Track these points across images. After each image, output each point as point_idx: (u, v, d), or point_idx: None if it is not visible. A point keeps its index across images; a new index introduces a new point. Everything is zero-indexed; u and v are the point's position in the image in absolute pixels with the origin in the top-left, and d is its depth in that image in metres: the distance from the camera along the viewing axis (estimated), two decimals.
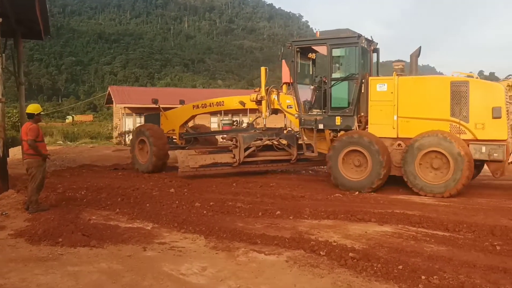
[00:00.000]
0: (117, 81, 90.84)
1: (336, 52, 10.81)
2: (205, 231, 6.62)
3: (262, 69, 12.75)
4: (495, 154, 9.01)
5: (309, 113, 11.14)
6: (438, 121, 9.56)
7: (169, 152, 13.35)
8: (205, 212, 7.88)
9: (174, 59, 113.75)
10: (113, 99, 37.11)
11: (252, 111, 15.54)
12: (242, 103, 12.74)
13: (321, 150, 11.04)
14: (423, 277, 4.63)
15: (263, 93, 12.09)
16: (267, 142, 12.25)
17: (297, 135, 12.53)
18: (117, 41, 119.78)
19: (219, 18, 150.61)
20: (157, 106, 13.93)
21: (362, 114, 10.42)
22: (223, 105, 13.35)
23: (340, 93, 10.74)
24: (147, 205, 8.43)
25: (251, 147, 11.93)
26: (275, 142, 12.38)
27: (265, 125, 12.59)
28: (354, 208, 7.85)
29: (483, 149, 9.11)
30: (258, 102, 12.28)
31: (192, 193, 9.69)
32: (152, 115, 14.58)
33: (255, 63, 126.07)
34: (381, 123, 10.07)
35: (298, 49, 11.16)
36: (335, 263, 5.15)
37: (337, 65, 10.97)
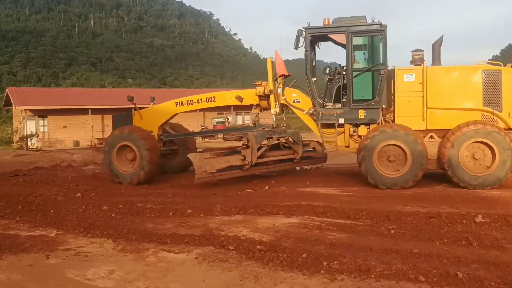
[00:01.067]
0: (16, 81, 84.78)
1: (359, 40, 10.22)
2: (113, 234, 6.47)
3: (268, 60, 11.26)
4: None
5: (328, 107, 10.36)
6: (470, 111, 9.48)
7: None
8: (113, 215, 7.69)
9: (80, 58, 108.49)
10: (12, 101, 34.74)
11: (237, 107, 14.54)
12: (240, 99, 11.47)
13: (338, 147, 10.40)
14: (324, 263, 4.92)
15: (271, 86, 10.81)
16: (277, 140, 11.16)
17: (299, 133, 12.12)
18: (16, 38, 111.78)
19: (127, 15, 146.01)
20: (133, 104, 11.82)
21: (384, 106, 10.06)
22: (214, 101, 11.90)
23: (363, 84, 10.07)
24: (51, 211, 8.05)
25: (263, 146, 10.78)
26: (284, 140, 11.38)
27: (273, 121, 11.78)
28: (263, 202, 8.08)
29: None
30: (263, 97, 11.13)
31: (100, 196, 9.39)
32: (122, 115, 12.64)
33: (167, 61, 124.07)
34: (409, 115, 9.72)
35: (311, 38, 10.25)
36: (243, 256, 5.30)
37: (359, 54, 10.38)
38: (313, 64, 10.87)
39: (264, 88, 10.91)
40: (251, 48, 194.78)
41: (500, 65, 9.62)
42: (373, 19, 9.90)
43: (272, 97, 10.79)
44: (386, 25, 9.68)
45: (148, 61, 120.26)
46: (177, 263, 5.24)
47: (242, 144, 10.53)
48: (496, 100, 9.36)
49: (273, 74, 10.81)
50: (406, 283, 4.37)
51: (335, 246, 5.57)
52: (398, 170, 9.36)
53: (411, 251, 5.25)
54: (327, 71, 11.12)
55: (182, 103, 11.94)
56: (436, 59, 9.99)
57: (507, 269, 4.61)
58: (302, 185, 10.15)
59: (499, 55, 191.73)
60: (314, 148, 12.55)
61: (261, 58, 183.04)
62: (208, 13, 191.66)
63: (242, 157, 10.36)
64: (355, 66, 10.01)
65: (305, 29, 10.12)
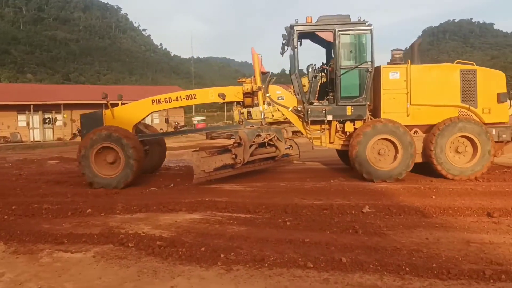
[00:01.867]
0: None
1: (346, 38, 10.34)
2: (4, 236, 6.18)
3: (255, 56, 10.89)
4: (503, 135, 10.01)
5: (316, 104, 10.50)
6: (449, 107, 10.16)
7: None
8: (6, 217, 7.32)
9: None
10: None
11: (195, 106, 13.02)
12: (222, 96, 10.99)
13: (322, 142, 10.71)
14: (222, 255, 5.11)
15: (259, 83, 10.67)
16: (265, 138, 10.75)
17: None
18: None
19: (26, 6, 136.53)
20: (106, 101, 10.84)
21: (368, 103, 10.36)
22: (195, 98, 11.43)
23: (350, 81, 10.33)
24: None
25: (253, 145, 10.44)
26: (270, 138, 10.98)
27: (264, 118, 11.23)
28: (166, 200, 8.12)
29: (493, 131, 9.96)
30: (249, 94, 10.88)
31: None
32: (92, 114, 11.46)
33: (70, 56, 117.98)
34: (395, 111, 10.16)
35: (298, 35, 10.22)
36: (143, 253, 5.34)
37: (346, 52, 10.50)
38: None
39: (252, 85, 10.76)
40: (161, 44, 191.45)
41: (473, 64, 10.44)
42: (359, 18, 10.21)
43: (260, 94, 10.69)
44: (371, 24, 10.06)
45: (49, 55, 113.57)
46: (74, 262, 5.15)
47: (234, 142, 10.24)
48: (472, 97, 10.15)
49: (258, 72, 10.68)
50: (296, 269, 4.69)
51: (234, 239, 5.80)
52: (393, 162, 9.83)
53: (303, 240, 5.61)
54: (310, 69, 11.17)
55: (159, 101, 11.21)
56: (415, 59, 10.53)
57: (385, 252, 5.11)
58: (207, 182, 10.29)
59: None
60: (290, 145, 12.47)
61: (172, 55, 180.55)
62: (115, 7, 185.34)
63: (234, 156, 10.03)
64: (343, 63, 10.22)
65: (292, 26, 10.20)
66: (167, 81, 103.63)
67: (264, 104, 10.72)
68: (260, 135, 10.58)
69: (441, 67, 10.59)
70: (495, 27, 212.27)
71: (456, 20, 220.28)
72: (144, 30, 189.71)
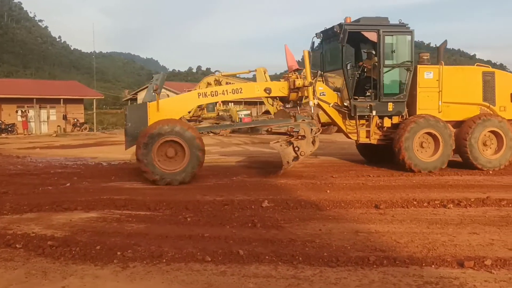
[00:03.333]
0: None
1: (389, 39, 10.89)
2: None
3: (305, 52, 10.96)
4: None
5: (361, 101, 10.99)
6: (472, 105, 11.26)
7: None
8: None
9: None
10: None
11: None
12: (268, 90, 11.01)
13: (359, 137, 11.22)
14: (118, 253, 4.98)
15: (309, 78, 10.73)
16: (316, 132, 10.55)
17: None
18: None
19: None
20: (156, 94, 10.17)
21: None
22: (241, 92, 11.21)
23: (392, 79, 11.01)
24: None
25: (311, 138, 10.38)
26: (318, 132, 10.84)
27: (311, 113, 10.94)
28: (61, 199, 7.73)
29: None
30: (295, 89, 10.84)
31: None
32: (137, 106, 10.26)
33: None
34: (428, 108, 10.95)
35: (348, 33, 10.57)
36: (32, 254, 5.04)
37: (389, 52, 10.97)
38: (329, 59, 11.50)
39: (304, 80, 10.72)
40: (60, 37, 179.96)
41: (489, 67, 11.75)
42: (400, 20, 10.96)
43: (310, 89, 10.77)
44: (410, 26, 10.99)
45: None
46: None
47: (299, 135, 10.21)
48: (492, 96, 11.35)
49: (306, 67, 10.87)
50: (194, 264, 4.71)
51: (132, 236, 5.68)
52: (434, 154, 10.64)
53: (203, 235, 5.65)
54: (349, 66, 11.51)
55: (205, 94, 10.88)
56: (440, 60, 11.30)
57: (281, 244, 5.31)
58: (107, 180, 9.98)
59: (300, 60, 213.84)
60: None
61: (72, 48, 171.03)
62: None
63: (296, 148, 9.99)
64: (386, 62, 10.86)
65: (344, 25, 10.66)
66: (66, 76, 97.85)
67: (314, 99, 10.88)
68: (312, 129, 10.53)
69: (467, 69, 11.93)
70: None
71: None
72: (40, 21, 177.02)
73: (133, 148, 9.77)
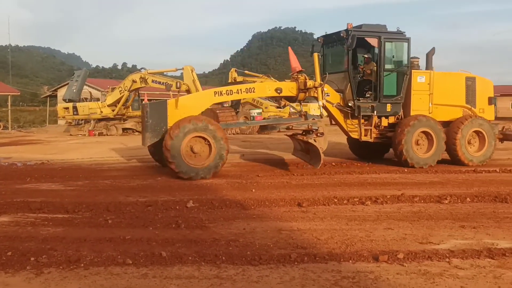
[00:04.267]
0: None
1: (388, 45, 11.84)
2: None
3: (315, 55, 11.71)
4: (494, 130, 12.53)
5: (364, 101, 11.82)
6: (456, 107, 12.44)
7: None
8: None
9: None
10: None
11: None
12: (279, 90, 11.54)
13: (361, 135, 11.98)
14: (32, 258, 4.72)
15: (319, 80, 11.33)
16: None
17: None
18: None
19: None
20: (178, 89, 10.03)
21: None
22: (254, 92, 11.92)
23: (390, 82, 11.88)
24: None
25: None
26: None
27: (321, 113, 11.54)
28: None
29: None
30: (304, 90, 11.45)
31: None
32: (157, 103, 11.03)
33: None
34: (421, 109, 12.01)
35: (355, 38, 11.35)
36: None
37: (388, 57, 11.91)
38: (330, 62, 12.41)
39: (313, 81, 11.30)
40: None
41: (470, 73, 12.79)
42: (398, 28, 12.01)
43: (319, 90, 11.33)
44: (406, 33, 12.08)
45: None
46: None
47: (318, 133, 10.96)
48: (473, 99, 12.54)
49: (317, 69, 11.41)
50: (114, 267, 4.56)
51: (48, 240, 5.41)
52: (427, 151, 11.64)
53: (124, 238, 5.50)
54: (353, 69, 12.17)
55: (221, 93, 11.39)
56: (429, 66, 12.39)
57: (204, 244, 5.29)
58: (21, 182, 9.42)
59: (229, 60, 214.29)
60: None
61: None
62: None
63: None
64: (386, 67, 11.78)
65: (353, 30, 11.46)
66: None
67: (323, 99, 11.47)
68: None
69: (453, 75, 12.80)
70: (315, 36, 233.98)
71: (282, 28, 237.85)
72: None
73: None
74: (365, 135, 12.13)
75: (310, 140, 10.78)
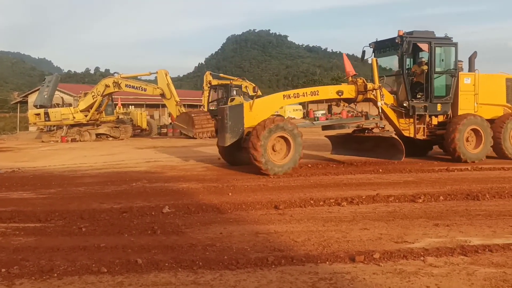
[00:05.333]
0: None
1: (438, 50, 12.83)
2: None
3: (373, 60, 12.77)
4: None
5: (417, 102, 12.81)
6: (498, 106, 13.50)
7: None
8: None
9: None
10: None
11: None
12: (341, 93, 12.48)
13: (416, 133, 12.97)
14: (3, 270, 4.59)
15: (377, 83, 12.34)
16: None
17: None
18: None
19: None
20: (255, 94, 11.06)
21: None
22: (317, 94, 12.59)
23: (440, 84, 12.94)
24: None
25: None
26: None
27: (383, 112, 12.88)
28: None
29: None
30: (362, 92, 12.38)
31: None
32: (236, 106, 11.98)
33: None
34: (467, 109, 12.97)
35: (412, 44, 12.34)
36: None
37: (438, 60, 12.86)
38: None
39: (373, 84, 12.27)
40: None
41: (509, 75, 13.98)
42: (446, 34, 12.98)
43: (378, 92, 12.24)
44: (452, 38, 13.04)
45: None
46: None
47: (384, 130, 12.58)
48: None
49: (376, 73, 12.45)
50: (88, 276, 4.47)
51: (19, 251, 5.27)
52: (477, 147, 12.57)
53: (98, 245, 5.40)
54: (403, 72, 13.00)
55: (289, 96, 12.30)
56: (471, 69, 13.34)
57: (181, 250, 5.23)
58: None
59: (203, 63, 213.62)
60: None
61: None
62: None
63: None
64: (436, 69, 12.76)
65: (409, 37, 12.39)
66: None
67: (382, 100, 12.40)
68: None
69: (495, 76, 13.81)
70: (289, 39, 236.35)
71: (256, 30, 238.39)
72: None
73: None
74: (417, 133, 13.07)
75: (393, 135, 12.37)
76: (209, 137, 25.28)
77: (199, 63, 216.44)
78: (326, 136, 14.46)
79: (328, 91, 12.68)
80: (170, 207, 7.27)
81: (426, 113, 12.86)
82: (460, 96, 13.09)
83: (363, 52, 13.56)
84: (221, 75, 33.10)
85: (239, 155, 12.26)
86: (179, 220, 6.66)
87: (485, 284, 4.06)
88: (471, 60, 13.59)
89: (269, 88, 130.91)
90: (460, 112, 13.00)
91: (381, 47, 13.46)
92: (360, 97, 12.55)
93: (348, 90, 12.55)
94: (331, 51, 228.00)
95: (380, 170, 11.28)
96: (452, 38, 13.05)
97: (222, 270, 4.56)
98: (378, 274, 4.35)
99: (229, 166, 12.75)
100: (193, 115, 25.54)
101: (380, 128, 12.54)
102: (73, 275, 4.51)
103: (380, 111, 12.65)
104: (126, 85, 25.66)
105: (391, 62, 13.86)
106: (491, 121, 13.05)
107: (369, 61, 13.25)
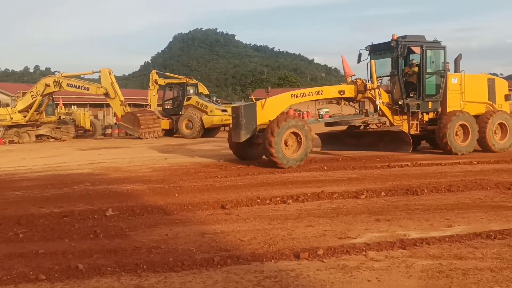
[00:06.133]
0: None
1: (429, 52, 14.02)
2: None
3: (372, 62, 13.94)
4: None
5: (411, 100, 14.03)
6: (481, 103, 14.80)
7: None
8: None
9: None
10: None
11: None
12: (342, 92, 13.61)
13: (409, 129, 14.14)
14: None
15: (376, 83, 13.65)
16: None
17: None
18: None
19: None
20: (267, 93, 12.83)
21: None
22: (322, 94, 13.80)
23: (431, 84, 14.18)
24: None
25: None
26: None
27: (380, 110, 13.93)
28: None
29: None
30: (362, 92, 13.54)
31: None
32: (249, 105, 12.90)
33: None
34: (455, 106, 14.26)
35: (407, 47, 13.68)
36: None
37: (429, 62, 14.02)
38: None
39: (371, 84, 13.55)
40: None
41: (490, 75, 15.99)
42: (435, 38, 14.24)
43: (377, 91, 13.58)
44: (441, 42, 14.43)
45: None
46: None
47: (385, 126, 14.25)
48: (493, 97, 15.03)
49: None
50: (25, 284, 4.28)
51: None
52: (465, 140, 13.82)
53: (37, 252, 5.17)
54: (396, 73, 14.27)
55: (296, 95, 13.29)
56: (457, 69, 14.69)
57: (125, 253, 5.11)
58: None
59: (150, 61, 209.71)
60: None
61: None
62: None
63: None
64: (428, 70, 14.01)
65: (403, 40, 13.65)
66: None
67: (380, 99, 13.73)
68: None
69: (478, 77, 15.33)
70: (236, 38, 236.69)
71: (203, 29, 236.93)
72: None
73: None
74: (411, 128, 14.22)
75: (402, 129, 13.82)
76: (156, 137, 24.92)
77: (145, 62, 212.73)
78: (316, 134, 15.18)
79: (331, 91, 13.94)
80: (114, 209, 7.09)
81: (419, 110, 14.10)
82: (449, 95, 14.35)
83: (359, 54, 14.61)
84: (168, 74, 32.62)
85: (249, 150, 13.26)
86: (123, 223, 6.50)
87: (422, 275, 4.23)
88: (457, 61, 14.96)
89: (217, 87, 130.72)
90: (448, 109, 14.23)
91: (377, 50, 14.63)
92: (360, 96, 13.80)
93: (349, 90, 13.70)
94: (278, 50, 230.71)
95: (325, 168, 11.53)
96: (441, 42, 14.41)
97: (167, 273, 4.49)
98: (322, 270, 4.43)
99: (176, 166, 12.61)
100: (138, 115, 25.10)
101: (382, 124, 14.24)
102: (8, 284, 4.29)
103: (379, 109, 13.87)
104: (67, 84, 24.83)
105: (383, 64, 14.99)
106: (475, 117, 14.27)
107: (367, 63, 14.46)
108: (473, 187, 8.43)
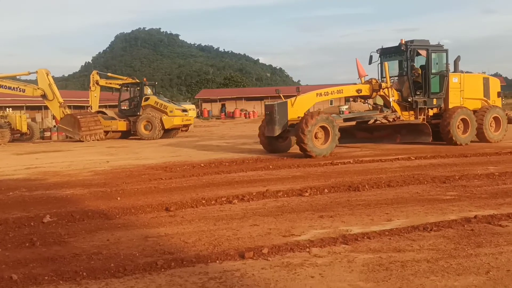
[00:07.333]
0: None
1: (434, 55, 15.97)
2: None
3: (385, 64, 15.57)
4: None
5: (418, 97, 15.67)
6: (477, 100, 16.65)
7: None
8: None
9: None
10: None
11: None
12: (360, 91, 15.29)
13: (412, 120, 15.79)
14: None
15: (389, 83, 15.19)
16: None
17: None
18: None
19: None
20: (278, 95, 15.31)
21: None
22: (342, 92, 15.86)
23: (435, 83, 15.95)
24: None
25: None
26: None
27: (392, 107, 15.46)
28: None
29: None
30: (376, 90, 15.17)
31: None
32: (283, 103, 14.18)
33: None
34: (455, 102, 16.08)
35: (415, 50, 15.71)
36: None
37: (434, 63, 15.92)
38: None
39: (385, 84, 15.12)
40: None
41: (485, 75, 18.16)
42: (438, 42, 16.30)
43: (390, 90, 15.13)
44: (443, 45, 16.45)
45: None
46: None
47: (399, 120, 15.81)
48: (488, 94, 16.91)
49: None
50: None
51: None
52: (465, 133, 15.64)
53: None
54: (405, 73, 16.01)
55: (321, 94, 14.95)
56: (456, 69, 16.52)
57: (63, 261, 4.90)
58: None
59: (91, 62, 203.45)
60: None
61: None
62: None
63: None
64: (433, 71, 15.83)
65: (411, 44, 15.52)
66: None
67: (392, 97, 15.22)
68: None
69: (475, 76, 17.48)
70: (181, 38, 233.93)
71: (146, 29, 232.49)
72: None
73: None
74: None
75: (425, 122, 15.45)
76: (98, 140, 24.14)
77: (86, 62, 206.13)
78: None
79: (350, 90, 15.75)
80: (52, 216, 6.79)
81: (425, 106, 15.73)
82: (450, 92, 16.11)
83: (371, 57, 16.30)
84: (109, 74, 31.71)
85: (278, 144, 14.85)
86: (61, 229, 6.25)
87: (363, 269, 4.35)
88: (456, 62, 16.73)
89: (162, 88, 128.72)
90: (450, 105, 16.02)
91: (387, 53, 16.41)
92: (374, 94, 15.46)
93: (365, 89, 15.37)
94: (223, 50, 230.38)
95: (271, 167, 11.62)
96: (444, 45, 16.35)
97: (108, 279, 4.36)
98: (266, 268, 4.45)
99: (119, 169, 12.28)
100: (78, 117, 24.23)
101: (397, 118, 15.87)
102: None
103: (391, 105, 15.40)
104: (1, 86, 23.62)
105: (391, 66, 16.44)
106: (473, 111, 16.08)
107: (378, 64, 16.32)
108: (411, 181, 8.79)
